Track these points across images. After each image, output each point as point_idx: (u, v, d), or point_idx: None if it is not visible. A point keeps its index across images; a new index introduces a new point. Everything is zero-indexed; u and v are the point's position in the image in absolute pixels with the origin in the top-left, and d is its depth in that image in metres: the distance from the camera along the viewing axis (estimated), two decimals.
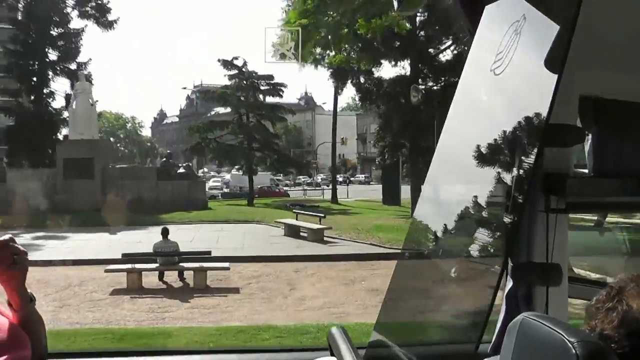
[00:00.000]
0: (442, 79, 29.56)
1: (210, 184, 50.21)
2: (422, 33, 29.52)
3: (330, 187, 41.84)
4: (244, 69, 39.17)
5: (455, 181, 2.32)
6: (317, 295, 14.68)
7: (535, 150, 1.74)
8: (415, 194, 30.52)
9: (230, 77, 39.55)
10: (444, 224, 2.42)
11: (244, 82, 39.73)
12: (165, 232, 16.04)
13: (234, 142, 40.69)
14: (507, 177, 1.88)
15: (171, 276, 16.14)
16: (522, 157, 1.81)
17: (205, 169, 60.15)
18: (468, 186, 2.18)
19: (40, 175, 30.07)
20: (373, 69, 29.66)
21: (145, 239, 22.22)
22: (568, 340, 1.15)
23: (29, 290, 1.69)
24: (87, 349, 8.88)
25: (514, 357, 1.32)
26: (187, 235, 23.50)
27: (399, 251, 19.82)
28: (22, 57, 38.22)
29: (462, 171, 2.24)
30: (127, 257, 15.63)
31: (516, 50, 1.85)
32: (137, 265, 15.38)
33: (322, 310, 13.29)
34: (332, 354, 2.22)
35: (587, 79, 1.87)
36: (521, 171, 1.80)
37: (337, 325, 2.30)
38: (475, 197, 2.09)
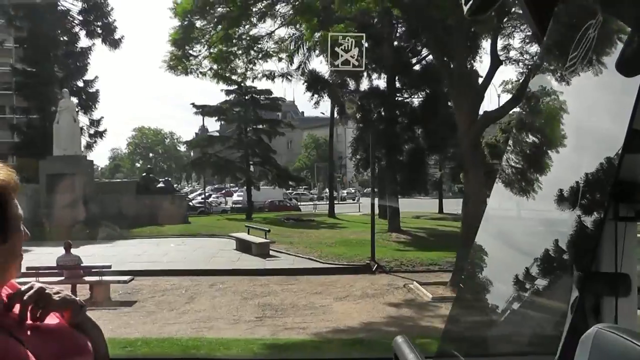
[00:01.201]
0: (418, 91, 29.18)
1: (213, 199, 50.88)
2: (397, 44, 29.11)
3: (356, 200, 41.84)
4: (242, 84, 39.40)
5: (521, 191, 2.35)
6: (202, 309, 14.70)
7: (613, 157, 1.71)
8: (389, 205, 30.15)
9: (228, 92, 39.85)
10: (511, 235, 2.50)
11: (244, 97, 40.02)
12: (67, 246, 16.22)
13: (234, 156, 40.99)
14: (576, 186, 1.89)
15: (84, 290, 16.29)
16: (595, 165, 1.80)
17: (196, 184, 60.42)
18: (534, 195, 2.19)
19: (26, 190, 30.86)
20: (348, 81, 29.46)
21: (103, 252, 22.71)
22: None
23: (78, 299, 1.76)
24: (148, 355, 9.13)
25: None
26: (139, 249, 23.89)
27: (328, 266, 19.74)
28: (30, 76, 39.39)
29: (529, 181, 2.30)
30: (33, 270, 15.76)
31: (591, 53, 1.83)
32: (41, 279, 15.51)
33: (191, 324, 13.29)
34: None
35: None
36: (592, 179, 1.81)
37: (402, 335, 2.31)
38: (543, 207, 2.12)
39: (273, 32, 17.73)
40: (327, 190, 56.20)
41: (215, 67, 16.40)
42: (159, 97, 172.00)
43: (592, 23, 1.81)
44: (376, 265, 19.32)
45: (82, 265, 16.11)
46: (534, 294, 2.06)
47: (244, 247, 22.87)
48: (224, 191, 70.46)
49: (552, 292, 1.98)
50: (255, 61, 18.43)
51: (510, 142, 2.53)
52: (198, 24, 15.37)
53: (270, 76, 20.08)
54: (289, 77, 26.38)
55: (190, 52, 15.34)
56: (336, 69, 22.90)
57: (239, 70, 18.09)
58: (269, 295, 16.08)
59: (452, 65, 16.58)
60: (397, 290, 16.39)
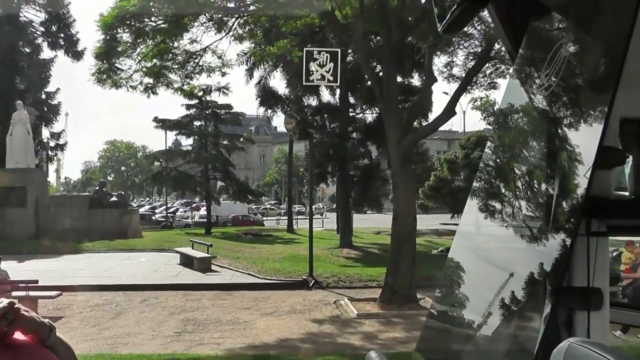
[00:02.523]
0: (371, 107, 29.31)
1: (179, 213, 50.65)
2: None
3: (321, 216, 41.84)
4: (202, 99, 39.37)
5: (495, 207, 2.36)
6: (125, 324, 14.57)
7: (583, 173, 1.72)
8: (342, 220, 30.17)
9: (189, 107, 39.78)
10: (485, 249, 2.53)
11: (204, 111, 39.97)
12: None
13: (195, 171, 40.86)
14: (548, 201, 1.91)
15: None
16: (566, 181, 1.84)
17: (168, 198, 60.17)
18: (507, 211, 2.22)
19: None
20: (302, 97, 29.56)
21: (46, 266, 22.48)
22: None
23: (46, 320, 1.64)
24: None
25: None
26: (83, 264, 23.69)
27: (265, 281, 19.68)
28: None
29: (501, 197, 2.31)
30: None
31: (564, 70, 1.85)
32: None
33: (108, 340, 13.15)
34: None
35: (628, 101, 1.83)
36: (564, 195, 1.83)
37: (375, 350, 2.25)
38: (515, 222, 2.12)
39: (208, 46, 17.70)
40: (316, 205, 56.24)
41: (146, 81, 16.35)
42: (133, 110, 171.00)
43: (565, 41, 1.85)
44: (313, 281, 19.28)
45: (9, 280, 15.91)
46: (507, 308, 2.08)
47: (187, 261, 22.76)
48: (193, 205, 70.11)
49: (526, 307, 2.00)
50: (193, 76, 18.39)
51: (483, 157, 2.58)
52: (126, 37, 15.32)
53: (207, 90, 20.05)
54: (225, 90, 26.46)
55: (118, 65, 15.31)
56: (310, 84, 22.84)
57: (175, 85, 18.00)
58: (197, 310, 16.00)
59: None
60: (326, 307, 16.37)
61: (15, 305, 1.58)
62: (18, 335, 1.60)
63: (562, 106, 1.97)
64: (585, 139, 1.74)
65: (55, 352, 1.65)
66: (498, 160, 2.45)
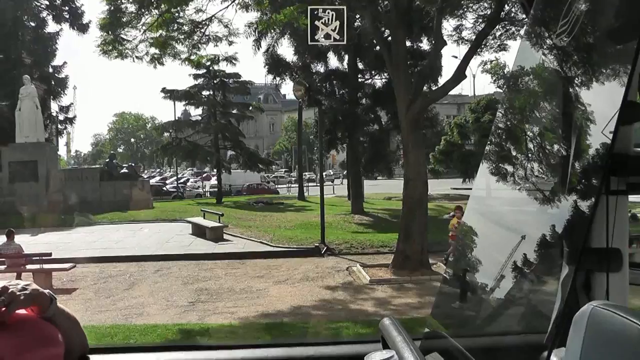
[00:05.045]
0: (380, 73, 29.06)
1: (190, 183, 50.84)
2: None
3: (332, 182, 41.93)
4: (210, 68, 39.14)
5: (509, 169, 2.27)
6: (139, 295, 14.69)
7: (601, 130, 1.64)
8: (353, 187, 30.13)
9: (196, 76, 39.60)
10: (499, 212, 2.48)
11: (212, 81, 39.80)
12: (9, 234, 16.13)
13: (204, 141, 40.87)
14: (567, 160, 1.84)
15: (28, 278, 16.21)
16: (587, 138, 1.76)
17: (179, 168, 60.31)
18: (522, 172, 2.15)
19: None
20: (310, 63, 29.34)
21: (59, 239, 22.66)
22: None
23: (47, 291, 1.70)
24: (128, 344, 9.07)
25: (585, 349, 1.30)
26: (95, 236, 23.85)
27: (277, 249, 19.73)
28: None
29: (516, 158, 2.24)
30: None
31: (582, 21, 1.74)
32: None
33: (122, 311, 13.25)
34: (385, 346, 2.10)
35: None
36: (584, 152, 1.77)
37: (389, 316, 2.21)
38: (532, 182, 2.06)
39: (214, 15, 17.49)
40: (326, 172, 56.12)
41: (152, 51, 16.22)
42: (141, 81, 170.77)
43: None
44: (325, 248, 19.32)
45: (23, 253, 16.05)
46: (523, 271, 2.04)
47: (199, 231, 22.85)
48: (204, 175, 70.26)
49: (541, 269, 1.97)
50: (199, 45, 18.21)
51: (495, 119, 2.50)
52: (132, 8, 15.16)
53: (215, 60, 19.88)
54: (233, 60, 26.14)
55: (123, 36, 15.17)
56: (314, 43, 22.52)
57: (182, 56, 17.85)
58: (210, 279, 16.08)
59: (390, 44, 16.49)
60: (338, 273, 16.40)
61: (10, 290, 1.59)
62: (17, 311, 1.60)
63: (578, 63, 1.87)
64: (604, 95, 1.66)
65: (55, 323, 1.68)
66: (511, 123, 2.37)
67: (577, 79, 1.89)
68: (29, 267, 15.82)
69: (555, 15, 1.87)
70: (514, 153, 2.28)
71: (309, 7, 17.03)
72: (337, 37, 16.65)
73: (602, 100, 1.68)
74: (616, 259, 1.79)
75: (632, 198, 1.82)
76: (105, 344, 7.97)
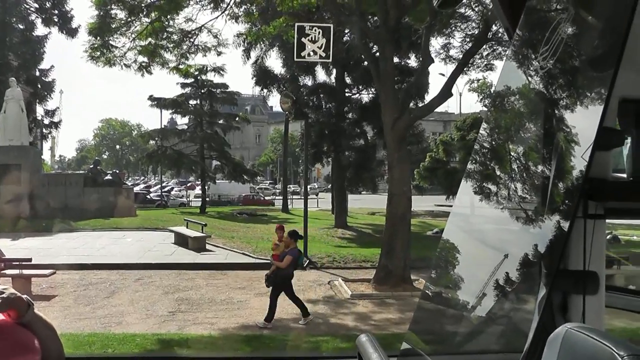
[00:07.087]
0: (368, 87, 29.19)
1: (174, 192, 50.66)
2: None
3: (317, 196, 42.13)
4: (198, 78, 39.11)
5: (490, 188, 2.32)
6: (119, 304, 14.58)
7: (581, 154, 1.69)
8: (337, 201, 30.16)
9: (184, 85, 39.55)
10: (479, 231, 2.51)
11: (200, 90, 39.78)
12: None
13: (190, 150, 40.78)
14: (546, 183, 1.88)
15: (7, 283, 16.04)
16: (564, 162, 1.80)
17: (164, 177, 60.10)
18: (503, 192, 2.19)
19: None
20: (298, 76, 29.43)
21: (41, 245, 22.45)
22: (617, 354, 1.13)
23: (24, 296, 1.68)
24: (106, 353, 8.93)
25: None
26: (77, 243, 23.67)
27: (259, 261, 19.66)
28: None
29: (497, 178, 2.28)
30: None
31: (562, 49, 1.80)
32: None
33: (101, 319, 13.14)
34: None
35: (627, 80, 1.77)
36: (562, 176, 1.80)
37: (366, 333, 2.28)
38: (511, 204, 2.10)
39: (204, 25, 17.56)
40: (311, 185, 56.05)
41: (140, 59, 16.21)
42: (128, 88, 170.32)
43: (564, 18, 1.81)
44: (307, 261, 19.28)
45: (3, 258, 15.88)
46: (501, 290, 2.05)
47: (181, 241, 22.74)
48: (188, 184, 69.90)
49: (520, 289, 1.99)
50: (188, 55, 18.24)
51: (478, 138, 2.54)
52: (122, 14, 15.17)
53: (203, 70, 19.93)
54: (221, 71, 26.12)
55: (112, 42, 15.15)
56: (301, 60, 22.58)
57: (171, 64, 17.87)
58: (191, 289, 16.01)
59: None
60: (320, 287, 16.39)
61: None
62: None
63: (559, 87, 1.93)
64: (583, 120, 1.71)
65: (32, 329, 1.67)
66: (494, 142, 2.41)
67: (558, 101, 1.93)
68: (8, 272, 15.62)
69: (537, 40, 1.92)
70: (496, 172, 2.32)
71: (296, 24, 17.12)
72: (323, 54, 16.74)
73: (583, 123, 1.72)
74: (593, 281, 1.83)
75: (615, 220, 1.86)
76: (83, 353, 7.92)
